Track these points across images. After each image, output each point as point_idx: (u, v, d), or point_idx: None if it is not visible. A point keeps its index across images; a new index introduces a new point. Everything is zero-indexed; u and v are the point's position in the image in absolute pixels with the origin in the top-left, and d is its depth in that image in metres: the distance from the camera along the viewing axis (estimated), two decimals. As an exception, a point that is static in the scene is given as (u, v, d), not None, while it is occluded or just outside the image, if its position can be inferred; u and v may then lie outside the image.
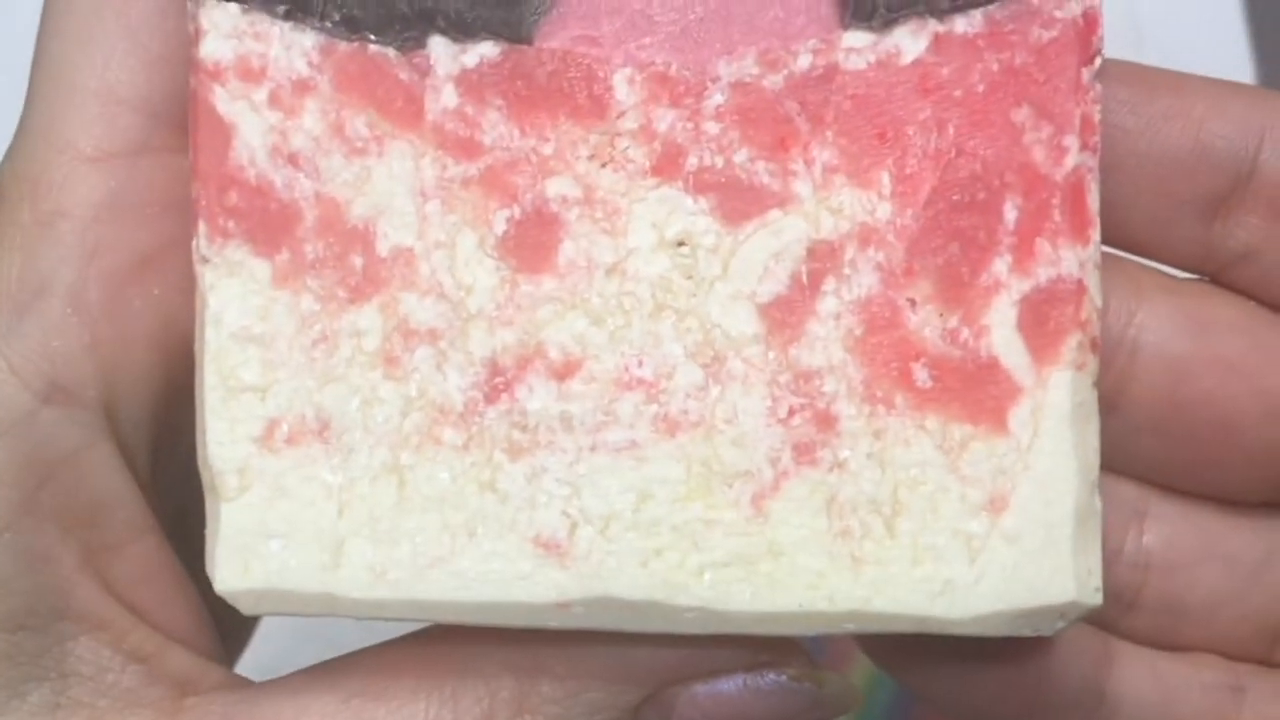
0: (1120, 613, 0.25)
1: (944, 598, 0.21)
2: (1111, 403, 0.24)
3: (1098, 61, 0.21)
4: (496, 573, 0.21)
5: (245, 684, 0.23)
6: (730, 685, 0.23)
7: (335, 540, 0.21)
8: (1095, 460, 0.21)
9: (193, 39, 0.22)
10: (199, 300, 0.22)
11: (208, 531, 0.22)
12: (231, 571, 0.21)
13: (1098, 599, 0.21)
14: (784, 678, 0.23)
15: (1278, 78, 0.40)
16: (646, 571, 0.21)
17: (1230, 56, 0.39)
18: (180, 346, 0.23)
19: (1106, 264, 0.22)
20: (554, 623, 0.21)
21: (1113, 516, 0.24)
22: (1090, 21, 0.21)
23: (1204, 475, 0.24)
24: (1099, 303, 0.21)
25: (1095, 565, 0.21)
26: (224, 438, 0.22)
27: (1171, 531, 0.25)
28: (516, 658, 0.23)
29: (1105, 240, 0.22)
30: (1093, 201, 0.21)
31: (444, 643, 0.23)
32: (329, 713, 0.23)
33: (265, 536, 0.21)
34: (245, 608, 0.22)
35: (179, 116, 0.23)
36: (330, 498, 0.21)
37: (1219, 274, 0.24)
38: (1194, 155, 0.23)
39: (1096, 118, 0.21)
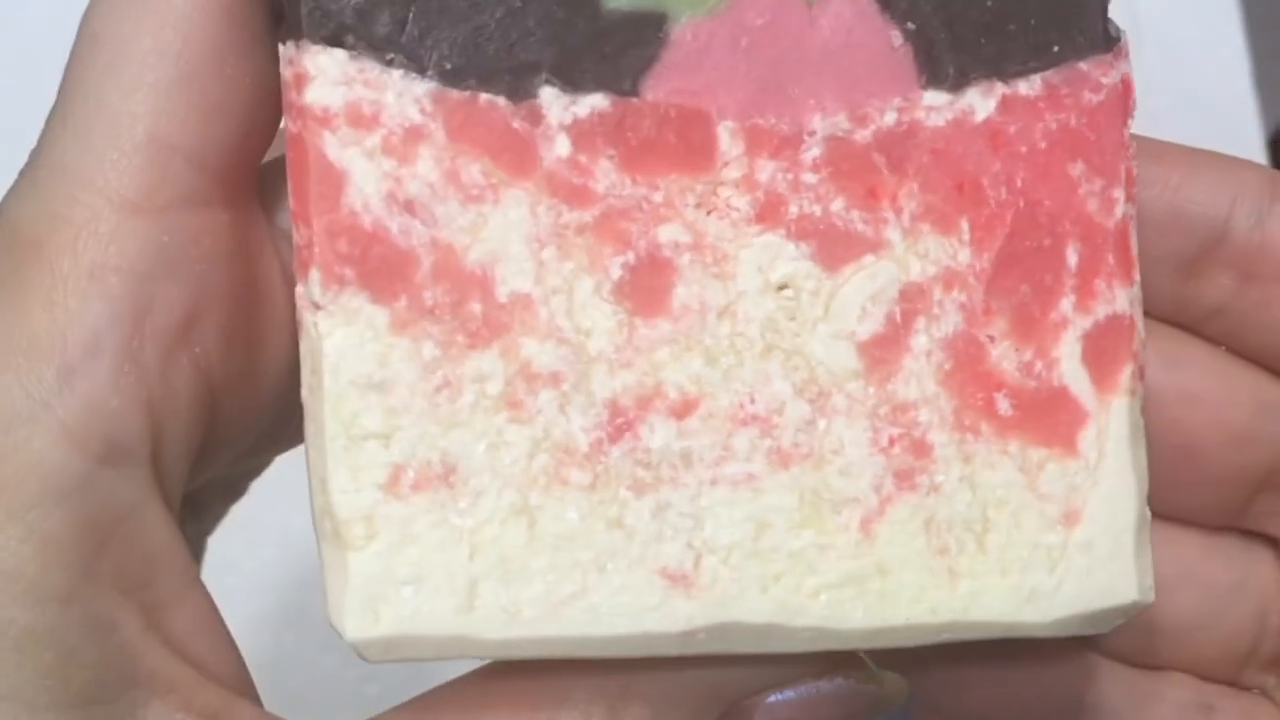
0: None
1: (1030, 604, 0.23)
2: None
3: (1132, 120, 0.24)
4: (627, 605, 0.22)
5: None
6: (800, 692, 0.25)
7: (468, 583, 0.22)
8: (1146, 475, 0.24)
9: (292, 84, 0.22)
10: (306, 348, 0.22)
11: (329, 582, 0.22)
12: (363, 621, 0.21)
13: (1151, 596, 0.24)
14: (849, 681, 0.25)
15: (1276, 77, 0.43)
16: (767, 596, 0.22)
17: (1229, 56, 0.43)
18: (216, 401, 0.23)
19: None
20: (676, 650, 0.22)
21: None
22: (1127, 86, 0.24)
23: (1170, 498, 0.27)
24: (1144, 335, 0.24)
25: (1149, 567, 0.24)
26: (348, 486, 0.21)
27: (1152, 555, 0.28)
28: (604, 684, 0.24)
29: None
30: (1134, 246, 0.24)
31: (531, 675, 0.24)
32: None
33: (396, 584, 0.21)
34: (373, 656, 0.22)
35: (227, 170, 0.23)
36: (461, 541, 0.22)
37: (1192, 327, 0.26)
38: (1170, 218, 0.26)
39: (1135, 170, 0.24)
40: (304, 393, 0.22)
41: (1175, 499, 0.27)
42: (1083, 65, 0.24)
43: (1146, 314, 0.27)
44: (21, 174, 0.22)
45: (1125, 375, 0.24)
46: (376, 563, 0.21)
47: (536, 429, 0.22)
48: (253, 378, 0.24)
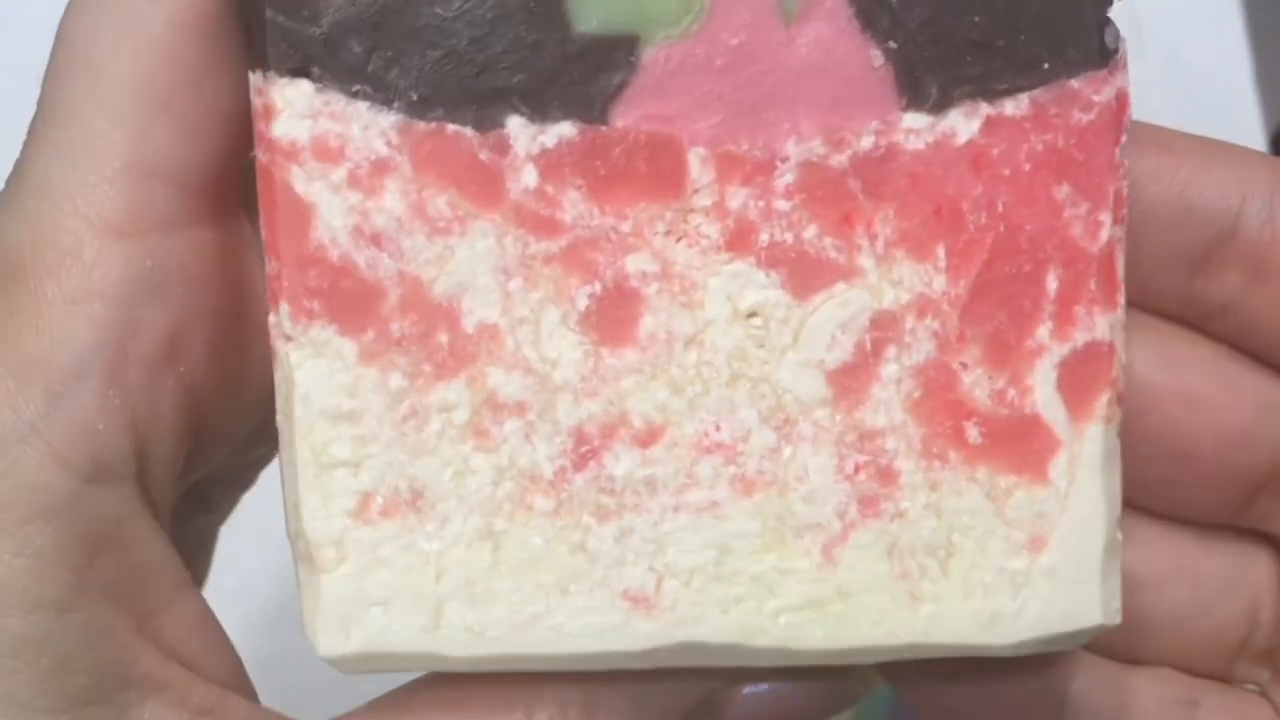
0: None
1: (992, 628, 0.23)
2: None
3: (1125, 137, 0.23)
4: (590, 625, 0.23)
5: None
6: (774, 687, 0.25)
7: (434, 604, 0.23)
8: (1119, 500, 0.24)
9: (261, 114, 0.22)
10: (280, 375, 0.22)
11: (303, 601, 0.23)
12: (334, 639, 0.22)
13: (1117, 619, 0.24)
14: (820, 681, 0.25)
15: (1277, 77, 0.42)
16: (727, 618, 0.23)
17: (1231, 56, 0.41)
18: (201, 415, 0.24)
19: None
20: (638, 665, 0.23)
21: None
22: (1122, 102, 0.23)
23: (1167, 495, 0.27)
24: (1124, 359, 0.24)
25: (1117, 591, 0.24)
26: (319, 512, 0.22)
27: (1147, 551, 0.27)
28: (582, 676, 0.25)
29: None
30: (1120, 270, 0.23)
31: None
32: None
33: (366, 604, 0.22)
34: (346, 670, 0.23)
35: (209, 187, 0.23)
36: (428, 564, 0.23)
37: (1198, 324, 0.26)
38: (1178, 212, 0.25)
39: (1126, 192, 0.23)
40: (279, 418, 0.23)
41: (1172, 497, 0.27)
42: (1074, 83, 0.23)
43: (1151, 309, 0.26)
44: (6, 189, 0.23)
45: (1101, 403, 0.23)
46: (347, 584, 0.22)
47: (502, 457, 0.23)
48: (239, 384, 0.24)
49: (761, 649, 0.23)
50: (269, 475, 0.29)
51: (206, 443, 0.24)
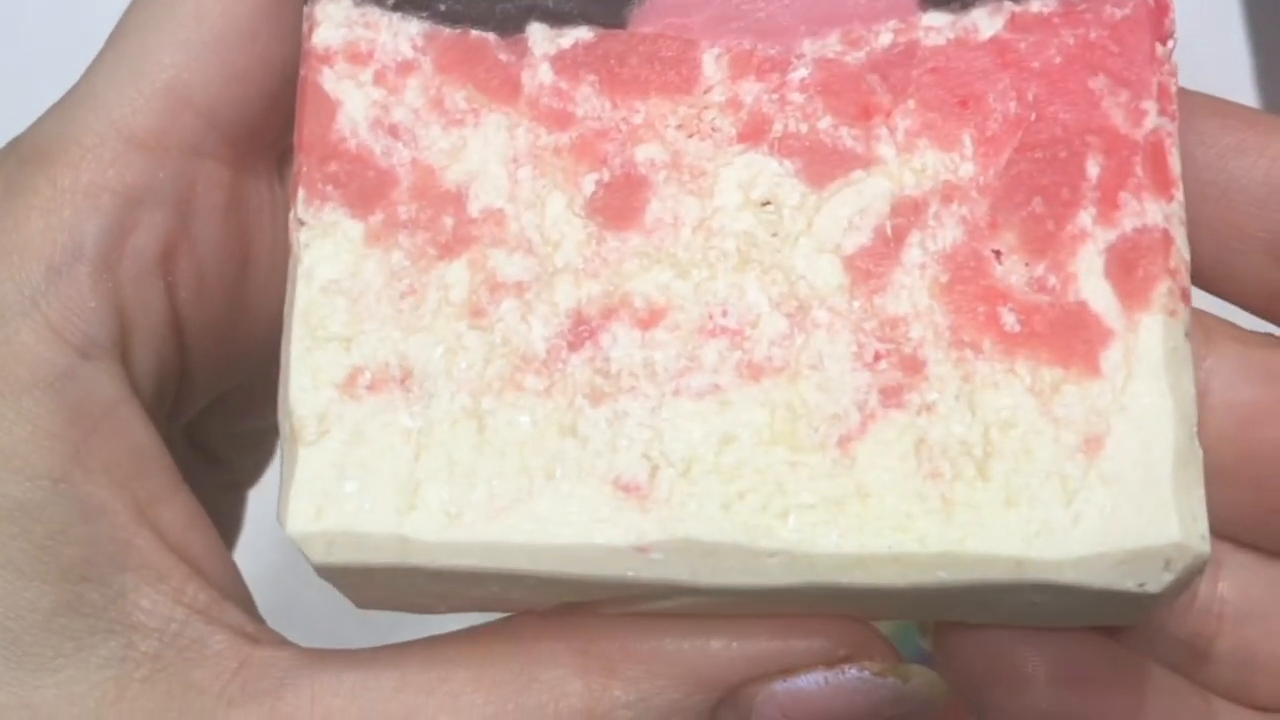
0: (1195, 663, 0.24)
1: (1041, 539, 0.20)
2: None
3: (1171, 42, 0.22)
4: (575, 515, 0.21)
5: (301, 648, 0.22)
6: (810, 682, 0.22)
7: (411, 483, 0.21)
8: (1193, 408, 0.21)
9: (306, 35, 0.23)
10: (291, 263, 0.22)
11: (282, 479, 0.21)
12: (304, 515, 0.21)
13: (1205, 547, 0.20)
14: (866, 673, 0.22)
15: (1277, 77, 0.40)
16: (728, 514, 0.20)
17: (1230, 56, 0.40)
18: (185, 335, 0.24)
19: None
20: (631, 571, 0.21)
21: None
22: (1161, 5, 0.22)
23: (1272, 524, 0.23)
24: (1187, 257, 0.21)
25: (1200, 511, 0.20)
26: (306, 384, 0.22)
27: (1246, 581, 0.24)
28: (583, 660, 0.22)
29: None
30: (1174, 163, 0.21)
31: (508, 640, 0.22)
32: (386, 694, 0.22)
33: (340, 480, 0.21)
34: (315, 555, 0.21)
35: (239, 132, 0.24)
36: (408, 441, 0.21)
37: None
38: (1265, 190, 0.23)
39: (1173, 89, 0.22)
40: (285, 308, 0.22)
41: (1274, 527, 0.23)
42: None
43: (1230, 296, 0.24)
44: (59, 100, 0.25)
45: (1159, 292, 0.21)
46: (324, 459, 0.21)
47: (495, 335, 0.22)
48: (232, 329, 0.25)
49: (767, 551, 0.20)
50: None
51: (193, 372, 0.24)
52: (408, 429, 0.21)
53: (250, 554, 0.27)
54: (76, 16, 0.25)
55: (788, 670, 0.22)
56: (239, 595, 0.23)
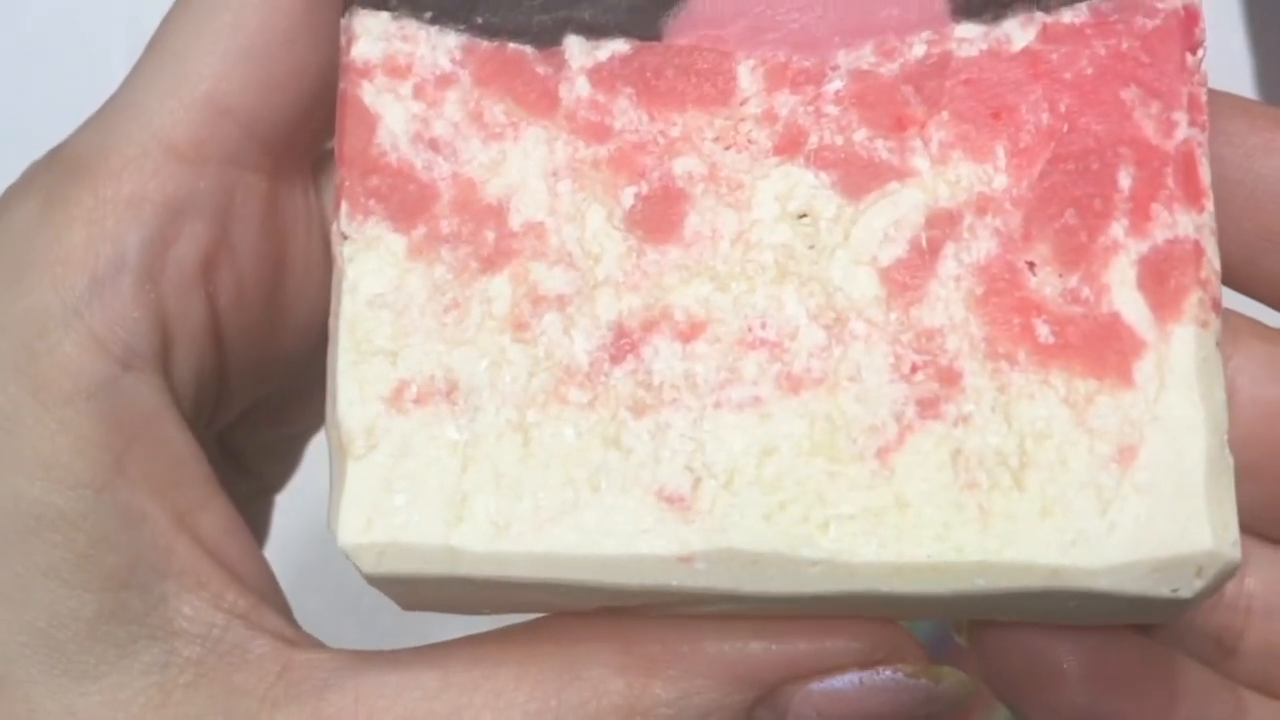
0: (1224, 657, 0.24)
1: (1076, 548, 0.20)
2: None
3: (1201, 51, 0.22)
4: (620, 526, 0.21)
5: (342, 650, 0.23)
6: (845, 682, 0.22)
7: (458, 496, 0.21)
8: (1224, 416, 0.21)
9: (344, 49, 0.24)
10: (335, 276, 0.23)
11: (331, 491, 0.22)
12: (355, 527, 0.21)
13: (1236, 553, 0.20)
14: (899, 674, 0.22)
15: (1277, 78, 0.41)
16: (770, 524, 0.21)
17: (1230, 57, 0.40)
18: (226, 346, 0.25)
19: None
20: (675, 581, 0.21)
21: None
22: (1191, 15, 0.22)
23: None
24: (1218, 267, 0.22)
25: (1231, 519, 0.21)
26: (354, 398, 0.22)
27: (1273, 576, 0.24)
28: (624, 659, 0.22)
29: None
30: (1204, 174, 0.22)
31: (549, 640, 0.23)
32: (429, 693, 0.22)
33: (389, 493, 0.22)
34: (366, 565, 0.22)
35: (277, 142, 0.25)
36: (454, 454, 0.22)
37: None
38: None
39: (1203, 99, 0.22)
40: (330, 321, 0.23)
41: None
42: None
43: (1256, 294, 0.24)
44: (98, 110, 0.25)
45: (1191, 303, 0.21)
46: (374, 472, 0.22)
47: (539, 349, 0.22)
48: (268, 336, 0.25)
49: (808, 561, 0.21)
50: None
51: (231, 380, 0.25)
52: (454, 442, 0.22)
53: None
54: (102, 22, 0.25)
55: (824, 671, 0.22)
56: (277, 600, 0.24)
